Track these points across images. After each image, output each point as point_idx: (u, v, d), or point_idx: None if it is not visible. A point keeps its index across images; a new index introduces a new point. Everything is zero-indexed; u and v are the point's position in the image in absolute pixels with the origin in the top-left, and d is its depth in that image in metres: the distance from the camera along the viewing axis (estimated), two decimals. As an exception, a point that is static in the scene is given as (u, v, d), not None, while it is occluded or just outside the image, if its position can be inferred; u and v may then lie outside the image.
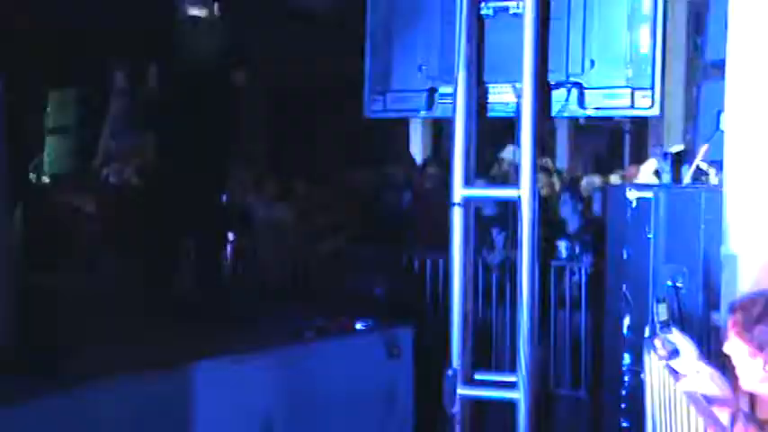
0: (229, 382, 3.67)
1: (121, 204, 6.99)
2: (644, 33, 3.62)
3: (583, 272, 5.91)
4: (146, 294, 4.87)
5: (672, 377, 2.65)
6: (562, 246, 6.24)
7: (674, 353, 2.54)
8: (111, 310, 4.48)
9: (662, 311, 2.53)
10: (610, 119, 5.31)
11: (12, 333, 2.36)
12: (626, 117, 4.77)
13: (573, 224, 6.38)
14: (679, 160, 4.96)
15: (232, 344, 3.92)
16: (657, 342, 2.58)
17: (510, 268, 5.70)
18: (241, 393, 3.71)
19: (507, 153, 6.88)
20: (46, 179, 7.97)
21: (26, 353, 2.43)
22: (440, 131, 11.31)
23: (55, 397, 2.82)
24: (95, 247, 6.32)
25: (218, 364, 3.63)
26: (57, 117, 8.01)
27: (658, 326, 2.54)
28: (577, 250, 6.21)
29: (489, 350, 5.95)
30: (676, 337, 2.55)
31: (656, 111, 3.69)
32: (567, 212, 6.45)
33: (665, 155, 5.21)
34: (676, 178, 4.91)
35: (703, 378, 2.52)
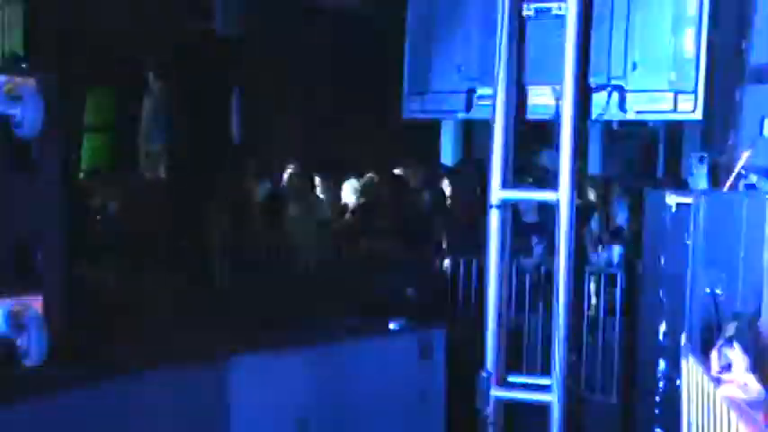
0: (266, 377, 3.69)
1: (157, 200, 7.04)
2: (688, 36, 3.57)
3: (618, 278, 5.84)
4: (183, 290, 4.91)
5: (711, 383, 2.61)
6: (615, 252, 6.18)
7: (727, 367, 2.51)
8: (149, 304, 4.51)
9: (731, 328, 2.51)
10: (645, 124, 5.24)
11: (62, 322, 2.39)
12: (666, 121, 4.70)
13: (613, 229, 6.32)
14: (716, 166, 4.89)
15: (268, 341, 3.93)
16: (714, 355, 2.55)
17: (546, 273, 5.67)
18: (277, 389, 3.72)
19: (544, 159, 6.83)
20: (82, 175, 8.06)
21: (76, 342, 2.46)
22: (470, 132, 11.25)
23: (101, 385, 2.85)
24: (133, 243, 6.37)
25: (255, 360, 3.65)
26: (94, 114, 8.11)
27: (722, 341, 2.51)
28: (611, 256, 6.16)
29: (521, 353, 5.91)
30: (734, 352, 2.52)
31: (698, 115, 3.65)
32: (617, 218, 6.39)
33: (701, 159, 5.13)
34: (714, 184, 4.84)
35: (746, 387, 2.49)
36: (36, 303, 2.42)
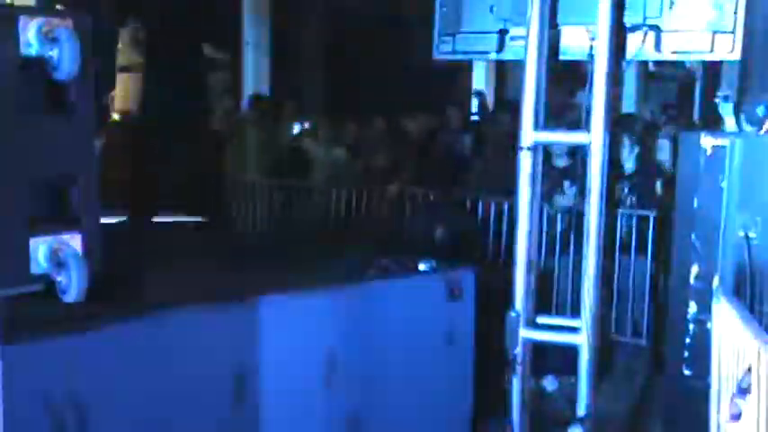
0: (295, 316, 3.77)
1: (192, 143, 7.13)
2: (728, -27, 3.50)
3: (651, 220, 5.84)
4: (214, 232, 4.99)
5: (743, 325, 2.62)
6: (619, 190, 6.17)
7: (737, 416, 2.47)
8: (180, 247, 4.60)
9: (746, 378, 2.47)
10: (682, 64, 5.15)
11: (100, 261, 2.47)
12: (703, 62, 4.62)
13: (629, 166, 6.29)
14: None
15: (298, 281, 4.01)
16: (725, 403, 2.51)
17: (576, 215, 5.67)
18: (306, 328, 3.80)
19: (580, 98, 6.76)
20: (116, 116, 8.17)
21: (108, 282, 2.55)
22: (504, 74, 11.14)
23: (130, 323, 2.95)
24: (166, 185, 6.48)
25: (284, 299, 3.73)
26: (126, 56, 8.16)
27: (735, 390, 2.49)
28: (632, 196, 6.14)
29: (551, 296, 5.96)
30: (747, 404, 2.46)
31: (736, 55, 3.59)
32: (624, 156, 6.34)
33: (726, 98, 5.02)
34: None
35: None
36: (74, 242, 2.49)
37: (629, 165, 6.26)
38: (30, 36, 2.32)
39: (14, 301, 2.48)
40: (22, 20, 2.32)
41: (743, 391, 2.48)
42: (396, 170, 7.36)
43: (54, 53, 2.33)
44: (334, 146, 8.09)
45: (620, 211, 5.97)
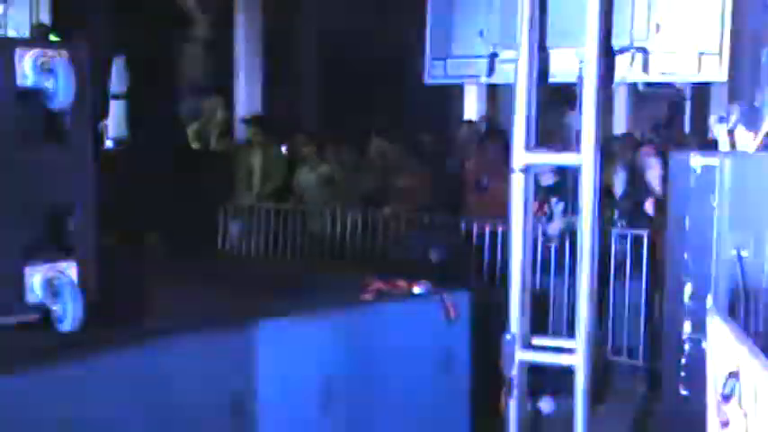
0: (291, 342, 3.77)
1: (184, 167, 7.16)
2: (712, -5, 3.56)
3: (645, 239, 5.88)
4: (209, 255, 5.01)
5: (737, 344, 2.65)
6: (610, 212, 6.22)
7: (726, 424, 2.50)
8: (173, 270, 4.61)
9: (728, 384, 2.50)
10: (671, 85, 5.23)
11: (95, 289, 2.49)
12: (691, 83, 4.68)
13: (619, 191, 6.35)
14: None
15: (293, 305, 4.02)
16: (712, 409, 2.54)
17: (570, 236, 5.71)
18: (303, 352, 3.81)
19: (569, 119, 6.84)
20: (109, 143, 8.20)
21: (107, 308, 2.56)
22: (494, 97, 11.23)
23: (127, 350, 2.95)
24: (158, 209, 6.50)
25: (280, 324, 3.74)
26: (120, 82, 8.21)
27: (719, 397, 2.51)
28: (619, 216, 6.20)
29: (546, 318, 5.97)
30: (731, 409, 2.49)
31: (723, 76, 3.64)
32: (617, 179, 6.41)
33: (721, 119, 5.09)
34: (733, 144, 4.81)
35: None
36: (70, 271, 2.51)
37: (619, 187, 6.31)
38: (26, 67, 2.36)
39: (9, 330, 2.49)
40: (19, 51, 2.36)
41: (726, 397, 2.51)
42: (394, 193, 7.40)
43: (50, 84, 2.37)
44: (320, 165, 8.13)
45: (615, 230, 6.01)
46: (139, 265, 4.11)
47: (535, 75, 3.88)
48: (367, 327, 4.21)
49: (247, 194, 8.38)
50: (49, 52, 2.39)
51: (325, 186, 7.92)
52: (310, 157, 8.27)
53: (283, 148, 8.87)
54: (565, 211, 6.05)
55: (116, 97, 8.43)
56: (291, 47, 11.43)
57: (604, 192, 6.19)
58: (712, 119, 5.35)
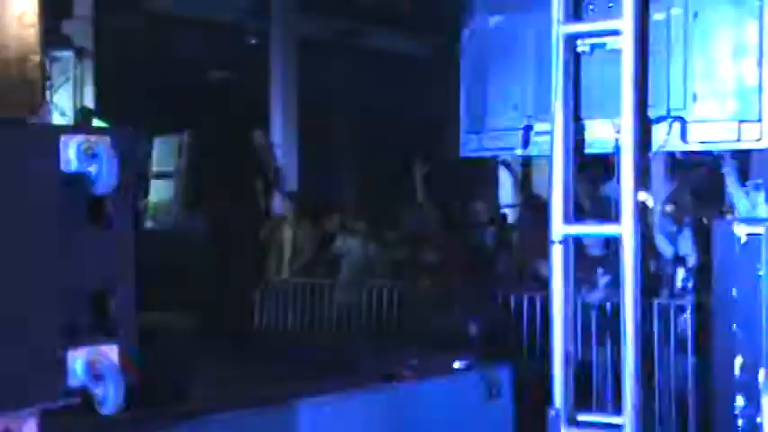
0: (331, 420, 3.73)
1: (224, 245, 7.23)
2: (750, 63, 3.56)
3: (689, 310, 5.76)
4: (246, 335, 5.01)
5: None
6: (679, 277, 6.10)
7: None
8: (211, 348, 4.61)
9: None
10: (710, 153, 5.20)
11: (136, 370, 2.49)
12: (730, 151, 4.66)
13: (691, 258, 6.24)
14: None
15: (333, 383, 3.99)
16: None
17: (613, 306, 5.62)
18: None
19: (607, 190, 6.81)
20: (149, 222, 8.35)
21: (146, 388, 2.56)
22: (529, 168, 11.25)
23: (172, 430, 2.94)
24: (197, 287, 6.54)
25: (320, 402, 3.71)
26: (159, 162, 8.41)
27: None
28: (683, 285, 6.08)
29: (590, 390, 5.84)
30: None
31: (764, 143, 3.61)
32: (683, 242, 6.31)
33: (757, 186, 5.03)
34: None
35: None
36: (112, 353, 2.52)
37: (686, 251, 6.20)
38: (70, 154, 2.42)
39: (52, 414, 2.49)
40: (64, 138, 2.42)
41: None
42: (429, 266, 7.37)
43: (93, 169, 2.42)
44: (370, 240, 8.15)
45: (656, 301, 5.91)
46: (178, 345, 4.12)
47: (571, 146, 3.88)
48: (407, 404, 4.15)
49: (279, 269, 8.41)
50: (93, 138, 2.44)
51: (361, 260, 7.93)
52: (354, 227, 8.28)
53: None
54: (611, 284, 5.97)
55: (159, 177, 8.62)
56: (327, 122, 11.63)
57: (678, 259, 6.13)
58: (749, 185, 5.31)
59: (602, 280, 6.24)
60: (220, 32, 10.61)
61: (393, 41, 11.55)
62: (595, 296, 6.20)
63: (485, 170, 10.98)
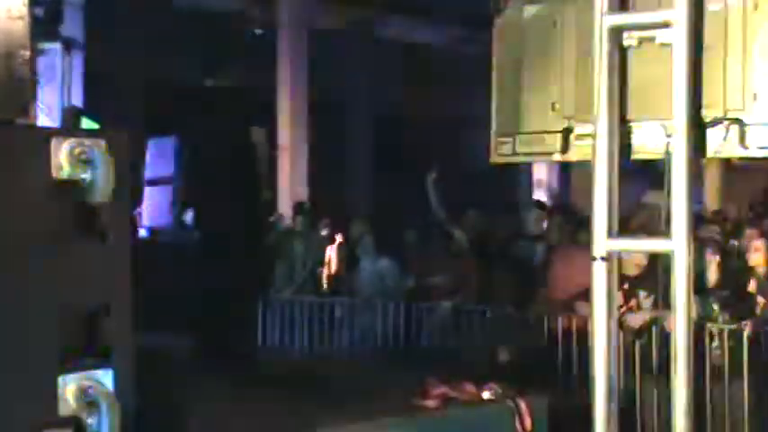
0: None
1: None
2: (817, 60, 3.52)
3: (745, 335, 5.70)
4: (258, 361, 5.00)
5: None
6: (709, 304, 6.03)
7: None
8: (220, 376, 4.60)
9: None
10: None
11: (132, 397, 2.48)
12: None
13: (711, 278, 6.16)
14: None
15: (350, 412, 3.96)
16: None
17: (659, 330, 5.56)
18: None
19: (650, 198, 6.76)
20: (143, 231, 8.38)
21: (143, 416, 2.54)
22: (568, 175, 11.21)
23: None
24: (194, 304, 6.55)
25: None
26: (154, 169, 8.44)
27: None
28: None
29: (634, 423, 5.79)
30: None
31: (831, 149, 3.57)
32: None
33: None
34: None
35: None
36: (106, 379, 2.50)
37: (713, 275, 6.12)
38: (61, 158, 2.40)
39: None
40: (54, 142, 2.40)
41: None
42: (455, 285, 7.34)
43: (87, 175, 2.39)
44: (381, 257, 8.14)
45: (709, 326, 5.84)
46: (177, 369, 4.11)
47: (616, 151, 3.84)
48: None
49: (287, 283, 8.41)
50: (87, 141, 2.42)
51: (379, 281, 7.91)
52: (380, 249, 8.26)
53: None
54: (655, 305, 5.90)
55: (155, 183, 8.64)
56: (342, 130, 11.66)
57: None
58: None
59: (645, 302, 6.17)
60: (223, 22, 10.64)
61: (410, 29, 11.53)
62: (637, 320, 6.13)
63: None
